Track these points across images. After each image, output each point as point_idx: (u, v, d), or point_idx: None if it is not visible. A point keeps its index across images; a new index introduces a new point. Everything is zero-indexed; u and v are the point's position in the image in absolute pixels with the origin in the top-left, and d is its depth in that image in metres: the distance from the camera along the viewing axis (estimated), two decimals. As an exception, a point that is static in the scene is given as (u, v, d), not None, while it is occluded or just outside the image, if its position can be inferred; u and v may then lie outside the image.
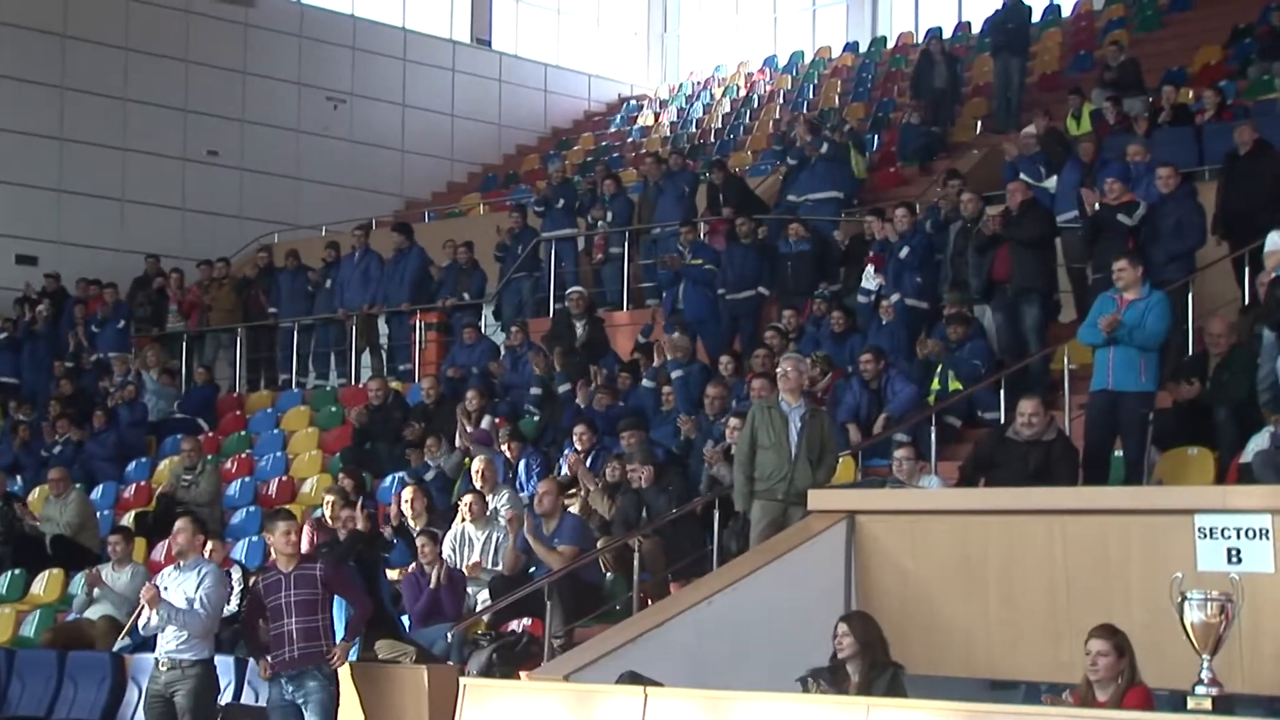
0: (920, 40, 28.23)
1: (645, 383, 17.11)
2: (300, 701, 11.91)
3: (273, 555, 12.41)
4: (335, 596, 12.26)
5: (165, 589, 12.17)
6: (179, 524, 12.45)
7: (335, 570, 12.26)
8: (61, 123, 26.63)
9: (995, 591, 12.35)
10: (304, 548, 14.63)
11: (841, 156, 20.43)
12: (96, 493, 19.40)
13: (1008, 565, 12.36)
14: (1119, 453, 13.84)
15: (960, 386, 15.09)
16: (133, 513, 18.00)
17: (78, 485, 18.48)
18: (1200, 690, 9.42)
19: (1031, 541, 12.28)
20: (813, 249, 18.64)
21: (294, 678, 11.89)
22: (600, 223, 21.30)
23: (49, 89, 26.75)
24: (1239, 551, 11.53)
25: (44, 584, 17.40)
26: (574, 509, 14.24)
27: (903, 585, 12.60)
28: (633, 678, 10.86)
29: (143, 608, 12.09)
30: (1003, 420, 14.56)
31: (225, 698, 13.16)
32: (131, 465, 20.12)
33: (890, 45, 31.03)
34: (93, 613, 15.45)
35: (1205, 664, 9.46)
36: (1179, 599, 9.68)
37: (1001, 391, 14.98)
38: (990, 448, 13.47)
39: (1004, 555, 12.38)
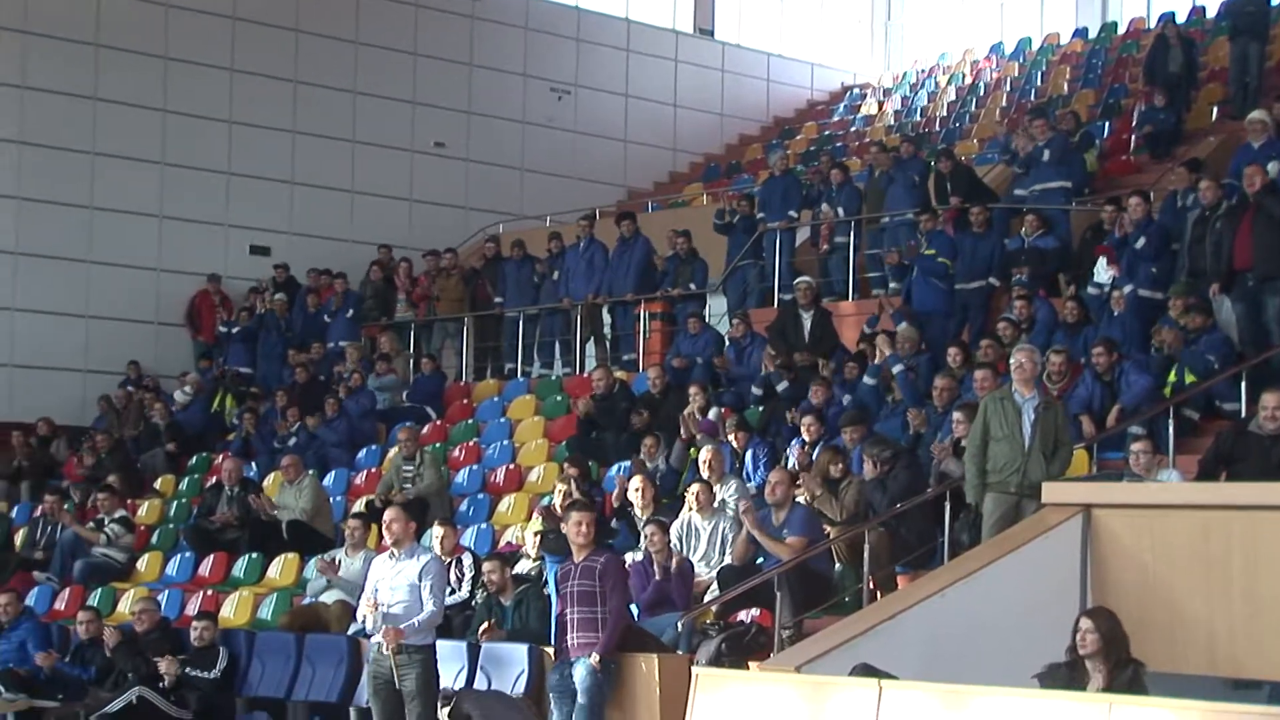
0: (1152, 25, 27.60)
1: (866, 380, 16.98)
2: (574, 688, 12.15)
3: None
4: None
5: (380, 579, 12.42)
6: (390, 514, 12.64)
7: (613, 565, 12.41)
8: (295, 116, 27.12)
9: (1239, 589, 12.12)
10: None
11: (1072, 148, 19.97)
12: (329, 479, 19.64)
13: (1252, 562, 12.12)
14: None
15: (1194, 380, 14.68)
16: (362, 500, 18.22)
17: (310, 472, 18.73)
18: None
19: (1277, 538, 12.02)
20: (1049, 242, 18.32)
21: (571, 665, 12.06)
22: (827, 211, 21.07)
23: (283, 83, 27.23)
24: None
25: (280, 568, 17.62)
26: (802, 499, 14.16)
27: (1141, 581, 12.43)
28: (866, 670, 10.74)
29: (371, 608, 12.44)
30: (1243, 413, 14.21)
31: (460, 682, 13.46)
32: (362, 453, 20.35)
33: (1121, 31, 30.29)
34: (327, 597, 15.66)
35: None
36: None
37: (1243, 384, 14.58)
38: (1232, 442, 13.19)
39: (1248, 552, 12.15)
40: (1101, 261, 16.91)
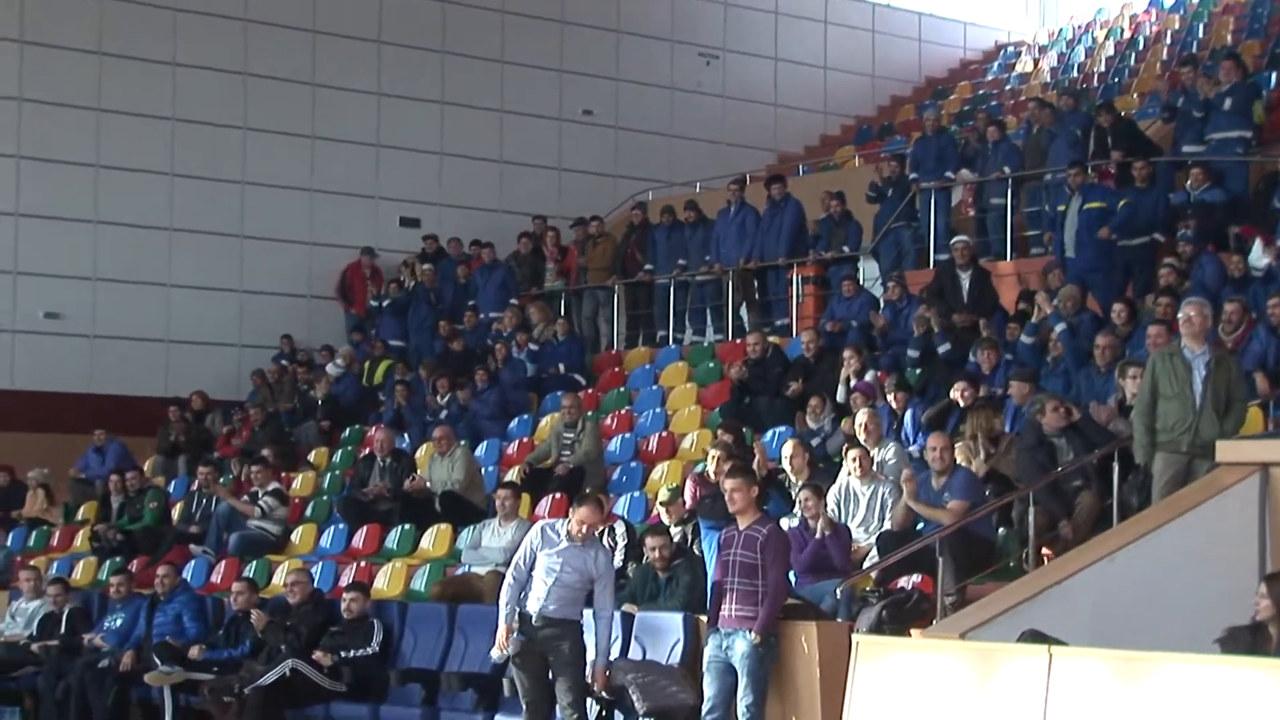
0: (1320, -28, 27.08)
1: (1024, 339, 17.11)
2: (730, 660, 12.28)
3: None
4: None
5: (542, 549, 12.54)
6: (586, 510, 12.67)
7: (775, 537, 12.48)
8: (443, 87, 27.61)
9: None
10: (687, 503, 14.92)
11: (1244, 96, 19.73)
12: (480, 450, 20.01)
13: None
14: None
15: None
16: (515, 469, 18.59)
17: (463, 442, 19.12)
18: None
19: None
20: (1216, 195, 18.27)
21: (727, 635, 12.18)
22: (965, 174, 21.29)
23: (431, 54, 27.75)
24: None
25: (433, 539, 18.04)
26: (962, 460, 14.16)
27: None
28: (1035, 636, 10.72)
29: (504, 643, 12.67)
30: None
31: (614, 652, 13.54)
32: (514, 422, 20.74)
33: (1288, -22, 29.91)
34: (480, 567, 15.94)
35: None
36: None
37: None
38: None
39: None
40: (1258, 245, 16.83)
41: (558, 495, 17.23)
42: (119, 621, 17.57)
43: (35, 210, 24.65)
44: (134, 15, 25.45)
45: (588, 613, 12.95)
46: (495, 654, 13.27)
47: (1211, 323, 14.00)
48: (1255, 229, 17.29)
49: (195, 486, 20.87)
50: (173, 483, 22.17)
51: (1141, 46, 29.90)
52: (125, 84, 25.27)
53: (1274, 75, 22.79)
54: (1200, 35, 28.37)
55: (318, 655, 15.41)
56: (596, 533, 13.68)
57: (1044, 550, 13.38)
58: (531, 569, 12.74)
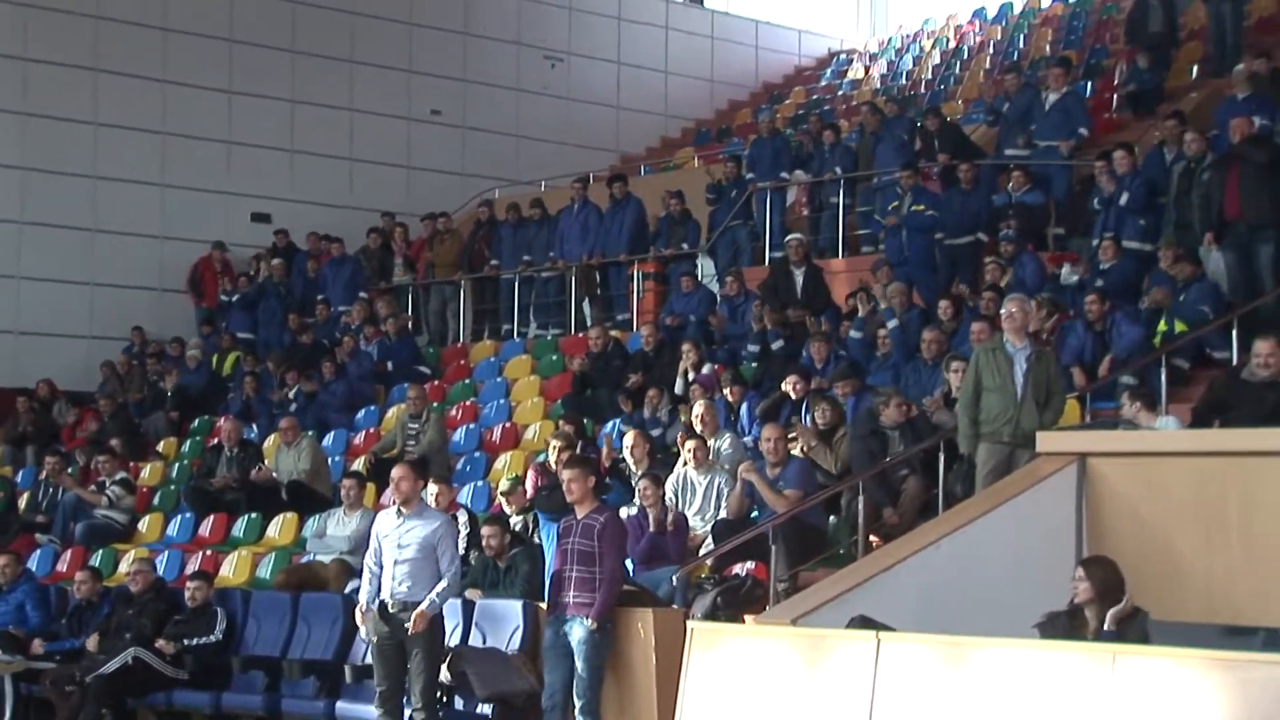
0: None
1: (853, 333, 17.43)
2: (570, 646, 12.39)
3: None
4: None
5: (384, 535, 12.67)
6: (398, 471, 12.82)
7: (612, 525, 12.63)
8: (293, 86, 27.78)
9: (1235, 535, 12.43)
10: (528, 492, 15.10)
11: (1070, 101, 20.65)
12: (328, 440, 20.24)
13: (1248, 508, 12.40)
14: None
15: (1184, 329, 15.12)
16: (361, 459, 18.81)
17: (309, 433, 19.33)
18: None
19: (1273, 484, 12.30)
20: (1035, 197, 18.88)
21: (566, 622, 12.32)
22: (799, 175, 21.81)
23: (281, 53, 27.88)
24: None
25: (279, 527, 18.24)
26: (797, 451, 14.36)
27: (1137, 529, 12.70)
28: (864, 622, 10.97)
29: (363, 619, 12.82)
30: (1234, 361, 14.57)
31: (455, 639, 13.64)
32: (361, 413, 20.96)
33: (1102, -8, 31.25)
34: (324, 555, 15.97)
35: None
36: None
37: (1234, 332, 14.97)
38: (1225, 389, 13.48)
39: (1244, 498, 12.42)
40: (1066, 267, 17.60)
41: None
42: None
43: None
44: (-18, 11, 25.26)
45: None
46: (362, 632, 13.34)
47: (1032, 313, 14.31)
48: (1064, 254, 18.00)
49: (43, 475, 20.90)
50: (20, 472, 22.23)
51: (966, 55, 30.85)
52: (-25, 80, 25.14)
53: (1089, 85, 23.74)
54: (1021, 45, 29.39)
55: (160, 644, 15.32)
56: (435, 505, 13.91)
57: (872, 538, 13.60)
58: (381, 559, 12.81)
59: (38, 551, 19.48)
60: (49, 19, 25.54)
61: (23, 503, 20.94)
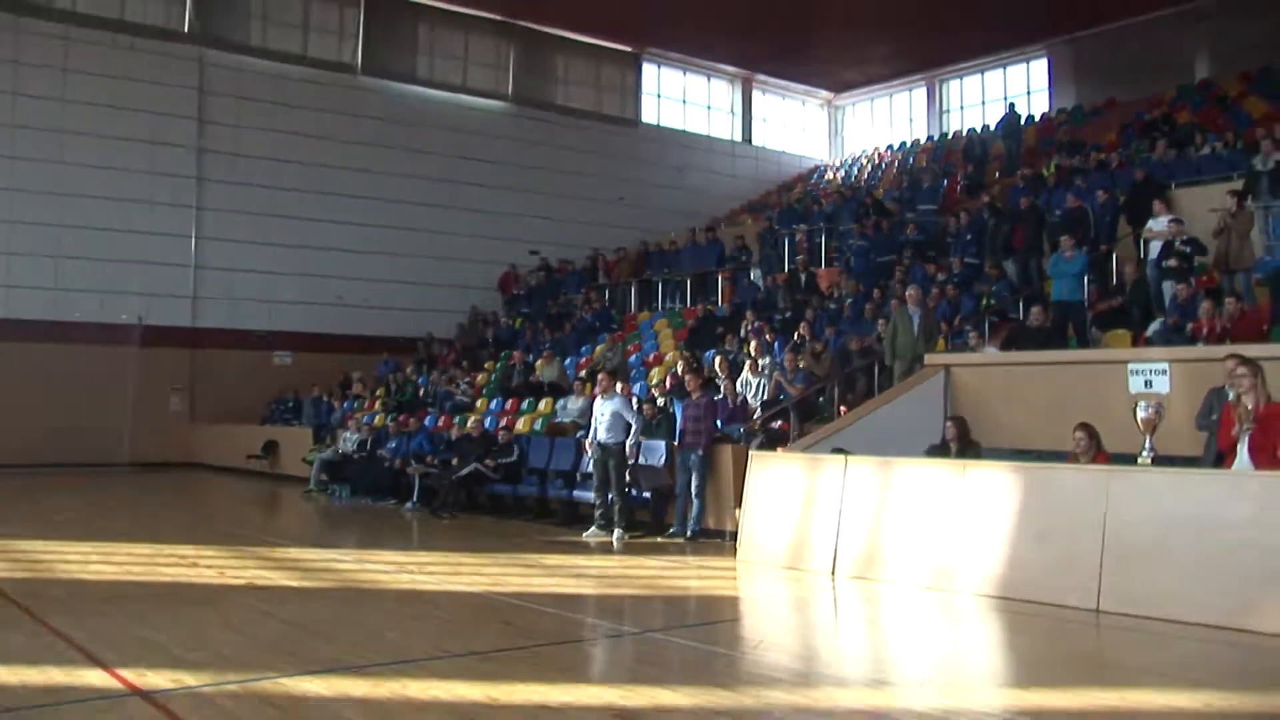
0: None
1: (831, 306, 21.54)
2: (690, 466, 15.86)
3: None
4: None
5: (597, 409, 16.23)
6: (601, 376, 17.18)
7: (708, 405, 15.94)
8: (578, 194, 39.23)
9: (1024, 405, 15.59)
10: (667, 385, 19.11)
11: (936, 188, 25.37)
12: (568, 361, 26.00)
13: (1032, 392, 15.56)
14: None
15: (994, 303, 18.76)
16: (584, 372, 23.73)
17: (558, 358, 25.42)
18: (1144, 455, 11.35)
19: (1043, 379, 15.47)
20: (922, 237, 23.67)
21: (688, 451, 15.84)
22: None
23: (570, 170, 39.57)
24: (1150, 381, 14.43)
25: (544, 404, 23.50)
26: (803, 365, 18.29)
27: (976, 402, 16.07)
28: (838, 450, 13.81)
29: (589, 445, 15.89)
30: (1022, 318, 18.30)
31: (631, 459, 16.75)
32: (585, 348, 26.81)
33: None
34: (566, 418, 21.17)
35: (1148, 441, 11.36)
36: (1133, 405, 11.54)
37: (1020, 303, 19.02)
38: (1018, 331, 17.45)
39: (1029, 387, 15.61)
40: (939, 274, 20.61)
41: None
42: (393, 444, 23.09)
43: None
44: None
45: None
46: (586, 455, 16.77)
47: (922, 295, 18.31)
48: (938, 267, 21.09)
49: (431, 378, 26.82)
50: (420, 378, 28.30)
51: (884, 166, 41.02)
52: None
53: (944, 180, 29.26)
54: (910, 162, 39.06)
55: (487, 461, 19.68)
56: (620, 393, 16.98)
57: (842, 409, 17.37)
58: (594, 420, 16.65)
59: (428, 417, 25.16)
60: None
61: (422, 393, 27.66)
